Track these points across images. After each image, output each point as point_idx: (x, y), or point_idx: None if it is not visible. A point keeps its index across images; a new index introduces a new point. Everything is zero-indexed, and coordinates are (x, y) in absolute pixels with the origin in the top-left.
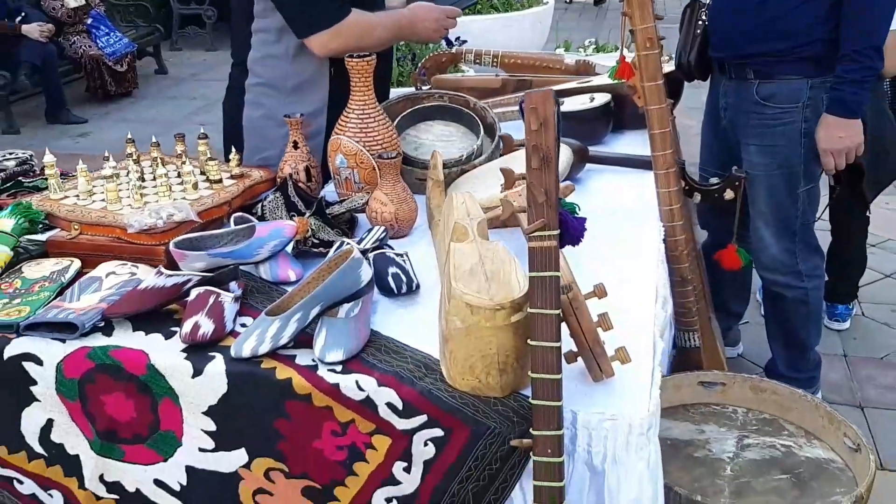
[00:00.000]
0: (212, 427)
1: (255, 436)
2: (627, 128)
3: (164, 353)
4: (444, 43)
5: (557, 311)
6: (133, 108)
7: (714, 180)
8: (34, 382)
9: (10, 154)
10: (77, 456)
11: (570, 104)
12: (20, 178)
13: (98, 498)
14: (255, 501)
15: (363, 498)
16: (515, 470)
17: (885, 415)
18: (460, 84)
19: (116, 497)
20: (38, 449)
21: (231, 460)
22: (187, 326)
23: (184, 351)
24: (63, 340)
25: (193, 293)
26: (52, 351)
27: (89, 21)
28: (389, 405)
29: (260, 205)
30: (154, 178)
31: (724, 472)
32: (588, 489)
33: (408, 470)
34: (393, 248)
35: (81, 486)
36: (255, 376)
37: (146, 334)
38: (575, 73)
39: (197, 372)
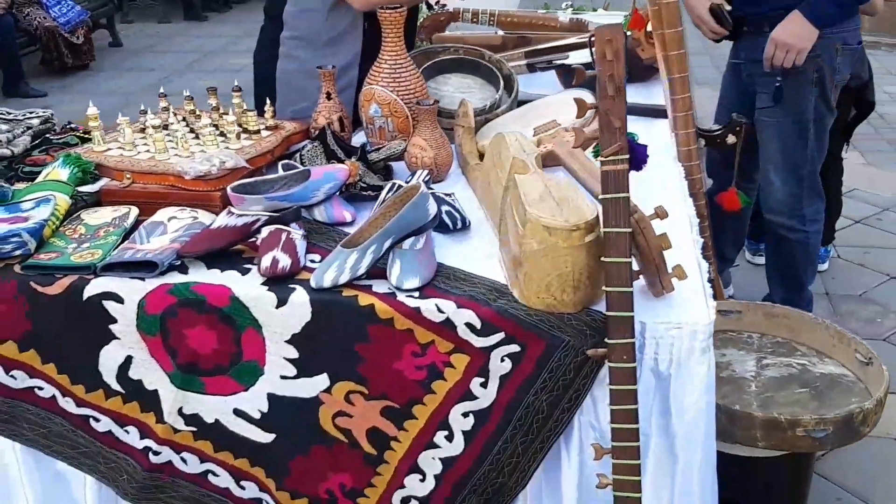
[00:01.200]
0: (294, 354)
1: (337, 360)
2: (631, 81)
3: (246, 286)
4: (423, 6)
5: (629, 230)
6: (92, 80)
7: (716, 127)
8: (114, 320)
9: (31, 112)
10: (155, 391)
11: (576, 58)
12: (47, 135)
13: (176, 431)
14: (335, 423)
15: (440, 414)
16: (588, 379)
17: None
18: (463, 41)
19: (194, 429)
20: (116, 386)
21: (313, 385)
22: (266, 261)
23: (265, 284)
24: (142, 279)
25: (265, 231)
26: (132, 289)
27: None
28: (468, 325)
29: (298, 154)
30: (191, 130)
31: (749, 388)
32: (654, 393)
33: (484, 385)
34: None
35: (159, 420)
36: (337, 304)
37: (221, 271)
38: (569, 31)
39: (281, 302)
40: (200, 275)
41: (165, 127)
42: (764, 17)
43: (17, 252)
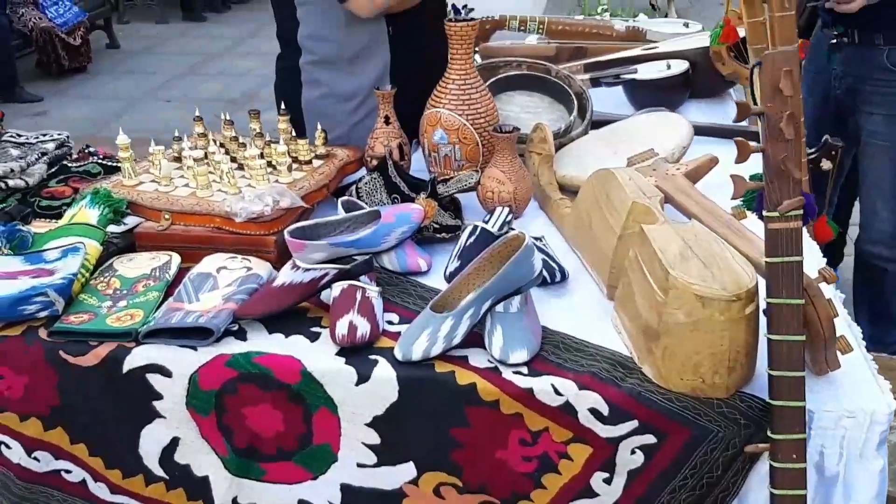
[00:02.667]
0: (375, 440)
1: (427, 447)
2: (700, 96)
3: (319, 357)
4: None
5: (802, 300)
6: (90, 84)
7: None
8: (159, 397)
9: (45, 135)
10: (205, 477)
11: (646, 72)
12: (64, 161)
13: None
14: None
15: None
16: (738, 476)
17: None
18: (512, 52)
19: None
20: (159, 471)
21: (396, 476)
22: (342, 327)
23: (340, 355)
24: (194, 347)
25: (336, 289)
26: (183, 360)
27: None
28: (592, 411)
29: (353, 187)
30: (233, 159)
31: None
32: (815, 493)
33: (609, 481)
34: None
35: None
36: (430, 381)
37: (286, 337)
38: (627, 40)
39: (362, 378)
40: (262, 341)
41: (205, 156)
42: (875, 27)
43: (43, 313)
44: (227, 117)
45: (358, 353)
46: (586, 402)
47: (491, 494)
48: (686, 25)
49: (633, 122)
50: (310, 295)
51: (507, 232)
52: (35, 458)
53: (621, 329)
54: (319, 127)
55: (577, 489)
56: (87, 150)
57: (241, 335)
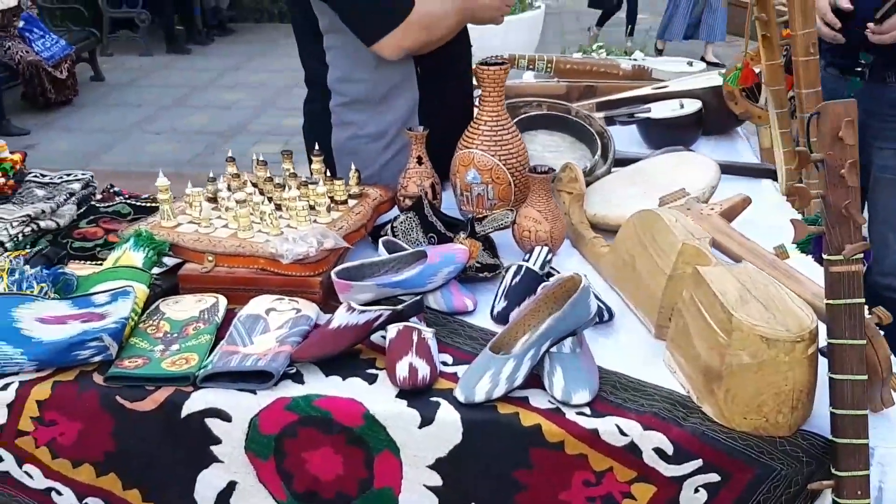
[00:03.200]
0: (437, 482)
1: (489, 489)
2: (709, 133)
3: (379, 400)
4: None
5: (864, 341)
6: (76, 116)
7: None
8: (217, 441)
9: (69, 175)
10: None
11: (660, 111)
12: (92, 202)
13: None
14: None
15: None
16: None
17: None
18: (523, 91)
19: None
20: None
21: None
22: (402, 369)
23: (400, 397)
24: (254, 391)
25: (391, 330)
26: (242, 404)
27: (21, 24)
28: (657, 450)
29: (389, 226)
30: (269, 199)
31: None
32: None
33: None
34: (558, 271)
35: None
36: (494, 423)
37: (343, 379)
38: (633, 78)
39: (426, 421)
40: (320, 384)
41: (245, 198)
42: (886, 66)
43: (97, 358)
44: (261, 157)
45: (419, 396)
46: (651, 442)
47: None
48: (690, 64)
49: (657, 162)
50: (364, 337)
51: (548, 271)
52: None
53: (675, 369)
54: (353, 167)
55: None
56: (111, 191)
57: (298, 378)
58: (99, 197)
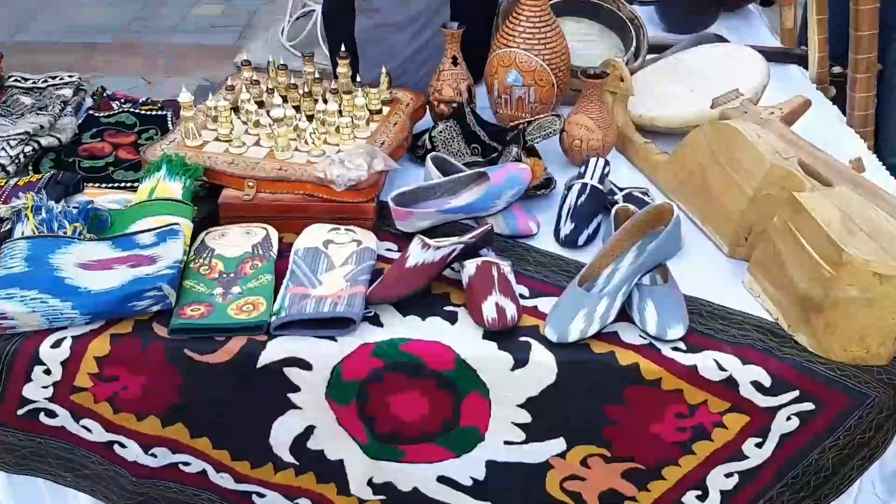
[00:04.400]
0: (526, 419)
1: (579, 424)
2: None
3: (468, 343)
4: None
5: None
6: None
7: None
8: (296, 389)
9: (54, 77)
10: (340, 461)
11: None
12: (91, 111)
13: (362, 501)
14: (563, 487)
15: (696, 475)
16: (888, 436)
17: None
18: None
19: (383, 497)
20: (289, 458)
21: (544, 450)
22: (490, 310)
23: (488, 338)
24: (333, 338)
25: (470, 266)
26: (324, 352)
27: None
28: (755, 384)
29: (427, 136)
30: (299, 112)
31: None
32: None
33: (760, 445)
34: (615, 184)
35: (342, 491)
36: (589, 363)
37: (422, 319)
38: None
39: (519, 363)
40: (399, 326)
41: (283, 116)
42: None
43: (155, 307)
44: (281, 62)
45: (507, 336)
46: (749, 375)
47: (639, 462)
48: None
49: (699, 56)
50: (439, 272)
51: (610, 188)
52: (152, 455)
53: (760, 293)
54: (385, 69)
55: (728, 454)
56: (104, 95)
57: (375, 320)
58: (90, 102)
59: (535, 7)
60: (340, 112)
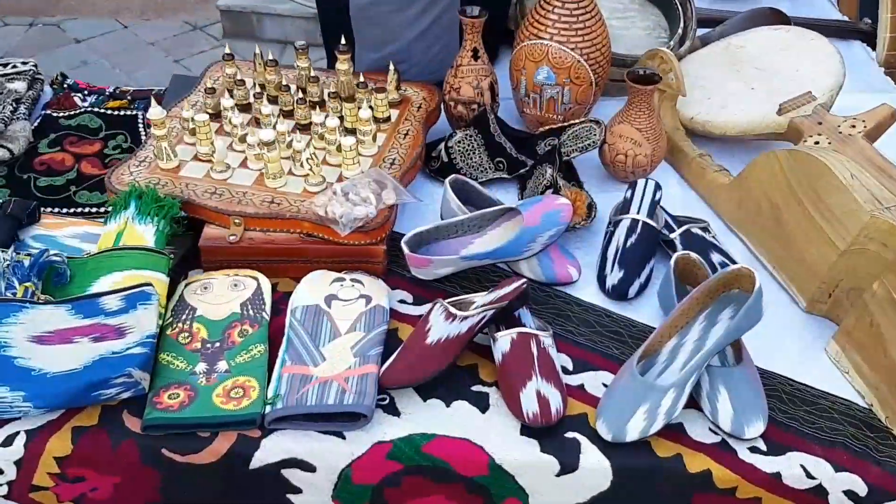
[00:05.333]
0: None
1: None
2: None
3: (504, 441)
4: None
5: None
6: None
7: None
8: (296, 490)
9: (6, 65)
10: None
11: None
12: (47, 110)
13: None
14: None
15: None
16: None
17: None
18: None
19: None
20: None
21: None
22: (530, 401)
23: (528, 434)
24: (341, 433)
25: (504, 341)
26: (330, 452)
27: None
28: (848, 493)
29: (442, 147)
30: (291, 118)
31: None
32: None
33: None
34: (670, 214)
35: None
36: (651, 469)
37: (447, 405)
38: None
39: (566, 468)
40: (419, 415)
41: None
42: None
43: (125, 395)
44: (269, 56)
45: (552, 434)
46: (842, 484)
47: None
48: None
49: (758, 41)
50: (465, 346)
51: (665, 223)
52: None
53: (849, 369)
54: (392, 66)
55: None
56: (65, 85)
57: (390, 407)
58: (48, 92)
59: None
60: (343, 126)
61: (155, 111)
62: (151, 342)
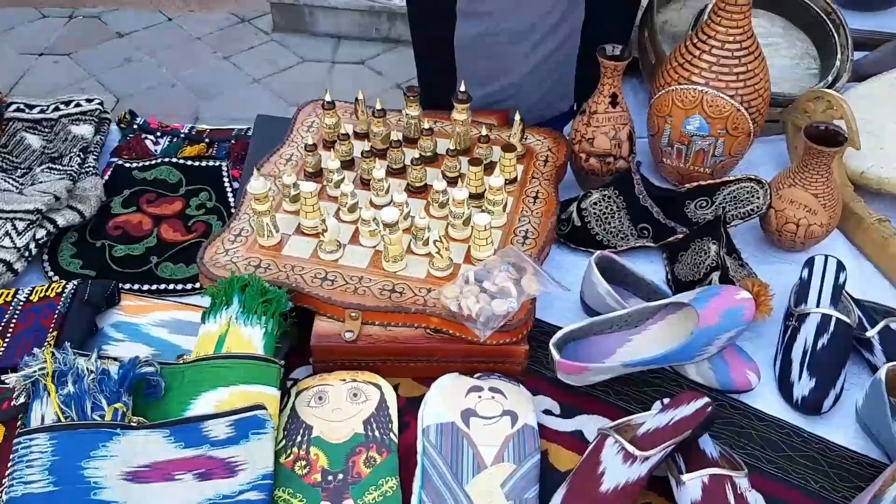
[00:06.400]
0: None
1: None
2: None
3: None
4: None
5: None
6: None
7: None
8: None
9: (68, 104)
10: None
11: None
12: (116, 159)
13: None
14: None
15: None
16: None
17: None
18: None
19: None
20: None
21: None
22: None
23: None
24: None
25: (694, 486)
26: None
27: None
28: None
29: (574, 207)
30: (411, 188)
31: None
32: None
33: None
34: (851, 296)
35: None
36: None
37: None
38: None
39: None
40: None
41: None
42: None
43: None
44: (378, 105)
45: None
46: None
47: None
48: None
49: None
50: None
51: (858, 315)
52: None
53: None
54: (518, 116)
55: None
56: (135, 125)
57: None
58: (115, 133)
59: (733, 26)
60: (473, 194)
61: (257, 185)
62: (269, 484)
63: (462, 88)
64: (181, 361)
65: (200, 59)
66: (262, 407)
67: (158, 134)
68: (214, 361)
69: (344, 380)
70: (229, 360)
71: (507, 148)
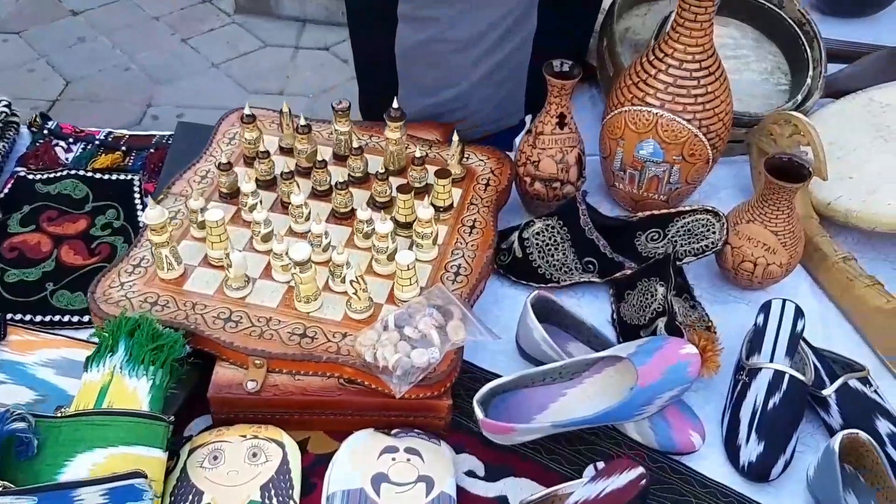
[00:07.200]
0: None
1: None
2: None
3: None
4: None
5: None
6: None
7: None
8: None
9: None
10: None
11: None
12: (19, 170)
13: None
14: None
15: None
16: None
17: None
18: None
19: None
20: None
21: None
22: None
23: None
24: None
25: None
26: None
27: None
28: None
29: (516, 238)
30: (336, 214)
31: None
32: None
33: None
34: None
35: None
36: None
37: None
38: None
39: None
40: None
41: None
42: None
43: None
44: (302, 121)
45: None
46: None
47: None
48: None
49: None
50: None
51: (809, 373)
52: None
53: None
54: (456, 137)
55: None
56: (45, 129)
57: None
58: (26, 136)
59: (692, 43)
60: (393, 218)
61: (153, 214)
62: None
63: (396, 105)
64: (59, 414)
65: (158, 41)
66: (141, 475)
67: (71, 140)
68: (93, 418)
69: (244, 436)
70: (109, 416)
71: (441, 174)
